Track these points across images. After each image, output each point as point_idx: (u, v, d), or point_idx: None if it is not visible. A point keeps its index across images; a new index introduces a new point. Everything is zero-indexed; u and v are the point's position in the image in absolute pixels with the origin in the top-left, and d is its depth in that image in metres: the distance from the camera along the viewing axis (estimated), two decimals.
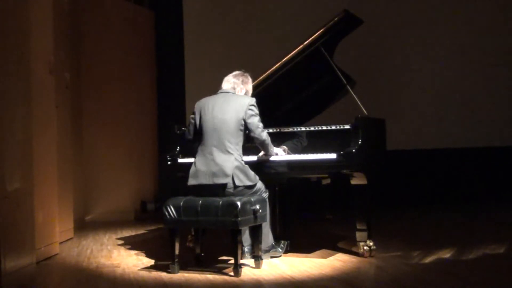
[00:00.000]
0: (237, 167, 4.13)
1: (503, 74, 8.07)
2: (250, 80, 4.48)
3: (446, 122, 7.92)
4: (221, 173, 4.12)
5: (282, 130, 4.61)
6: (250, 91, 4.48)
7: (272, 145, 4.37)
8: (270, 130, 4.48)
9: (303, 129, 4.58)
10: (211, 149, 4.19)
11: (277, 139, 4.51)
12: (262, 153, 4.43)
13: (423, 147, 7.87)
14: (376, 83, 7.58)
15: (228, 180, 4.10)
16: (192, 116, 4.38)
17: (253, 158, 4.45)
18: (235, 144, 4.20)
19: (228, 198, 4.04)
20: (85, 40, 7.26)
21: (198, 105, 4.36)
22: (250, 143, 4.38)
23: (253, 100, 4.27)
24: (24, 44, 4.18)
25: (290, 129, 4.61)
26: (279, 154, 4.43)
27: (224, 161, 4.13)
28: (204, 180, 4.16)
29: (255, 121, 4.23)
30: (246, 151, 4.34)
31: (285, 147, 4.53)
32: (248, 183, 4.16)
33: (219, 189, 4.13)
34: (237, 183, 4.11)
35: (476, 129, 7.93)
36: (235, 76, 4.44)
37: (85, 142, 7.24)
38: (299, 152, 4.51)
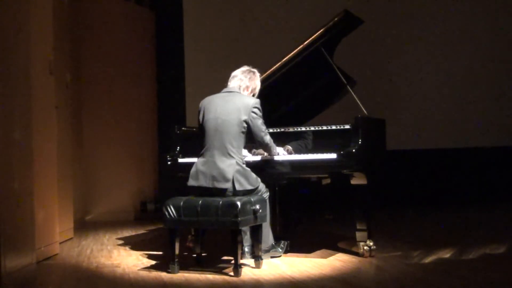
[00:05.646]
0: (238, 171, 4.11)
1: (504, 74, 8.06)
2: (257, 76, 4.41)
3: (446, 122, 7.92)
4: (221, 178, 4.09)
5: (281, 130, 4.60)
6: (258, 87, 4.42)
7: (274, 146, 4.35)
8: (270, 130, 4.47)
9: (303, 129, 4.57)
10: (212, 152, 4.16)
11: (279, 139, 4.50)
12: (265, 154, 4.42)
13: (423, 147, 7.87)
14: (376, 83, 7.57)
15: (228, 185, 4.08)
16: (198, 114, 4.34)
17: (254, 158, 4.44)
18: (237, 147, 4.17)
19: (228, 198, 4.02)
20: (85, 40, 7.26)
21: (202, 103, 4.33)
22: (250, 143, 4.37)
23: (257, 102, 4.22)
24: (24, 44, 4.17)
25: (291, 129, 4.60)
26: (281, 154, 4.42)
27: (225, 165, 4.10)
28: (204, 183, 4.14)
29: (259, 124, 4.20)
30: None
31: (289, 147, 4.52)
32: (249, 187, 4.14)
33: (219, 193, 4.10)
34: (237, 187, 4.08)
35: (476, 129, 7.93)
36: (242, 72, 4.37)
37: (85, 142, 7.24)
38: (303, 153, 4.50)
